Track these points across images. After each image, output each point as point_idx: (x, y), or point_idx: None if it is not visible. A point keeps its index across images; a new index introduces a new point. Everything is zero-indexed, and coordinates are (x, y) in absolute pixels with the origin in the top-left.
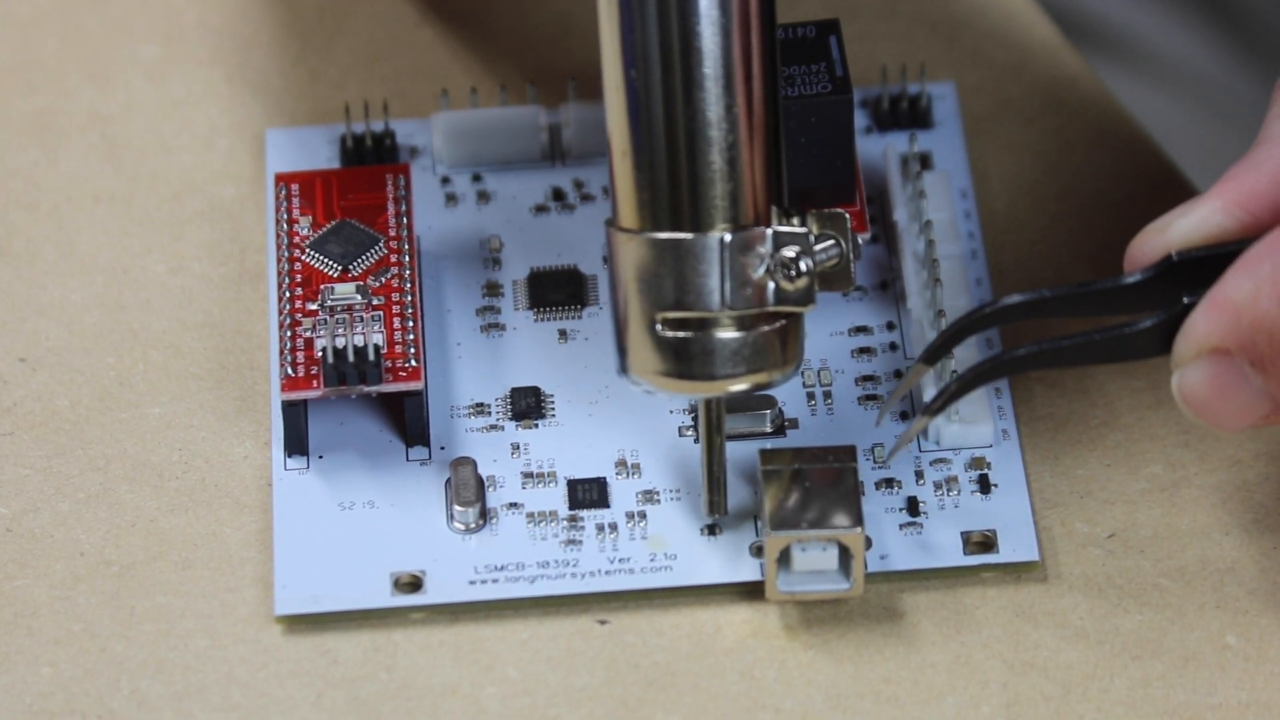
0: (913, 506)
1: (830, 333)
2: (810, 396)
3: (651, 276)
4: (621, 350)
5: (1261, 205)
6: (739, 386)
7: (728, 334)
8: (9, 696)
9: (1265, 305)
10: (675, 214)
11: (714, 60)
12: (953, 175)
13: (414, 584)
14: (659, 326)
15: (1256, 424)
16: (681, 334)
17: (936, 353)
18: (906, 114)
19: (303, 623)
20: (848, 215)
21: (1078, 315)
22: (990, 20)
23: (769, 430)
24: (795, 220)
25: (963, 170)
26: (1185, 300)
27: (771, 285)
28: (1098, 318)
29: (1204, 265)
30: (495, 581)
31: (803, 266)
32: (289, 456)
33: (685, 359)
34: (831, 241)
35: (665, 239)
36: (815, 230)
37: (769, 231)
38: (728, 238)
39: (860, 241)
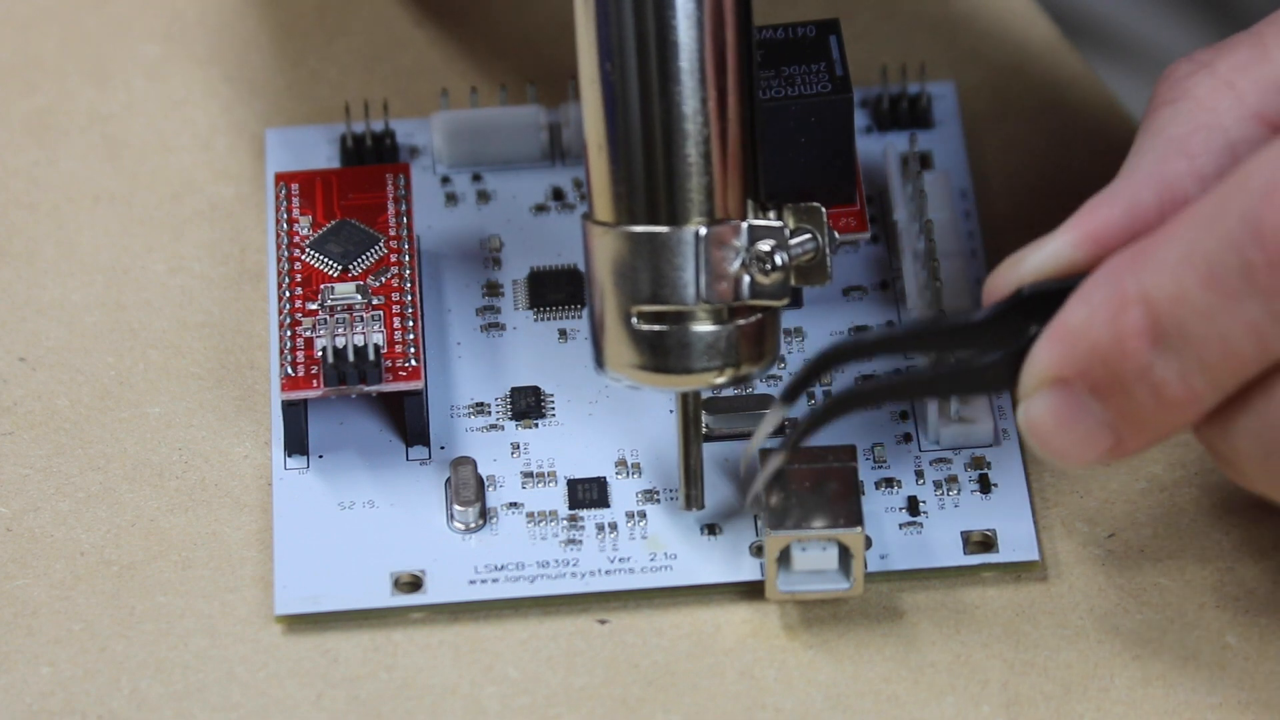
0: (913, 506)
1: (830, 332)
2: (810, 396)
3: (627, 270)
4: (598, 345)
5: (1113, 238)
6: (715, 380)
7: (703, 327)
8: (9, 696)
9: (1099, 330)
10: (651, 207)
11: (690, 54)
12: (952, 175)
13: (414, 584)
14: (635, 320)
15: (1101, 458)
16: (657, 327)
17: (794, 392)
18: (906, 114)
19: (303, 622)
20: (824, 209)
21: (933, 350)
22: (990, 20)
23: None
24: (771, 214)
25: (963, 170)
26: (1032, 331)
27: (747, 279)
28: (955, 352)
29: (1055, 299)
30: (495, 581)
31: (778, 260)
32: (289, 456)
33: (661, 352)
34: (808, 235)
35: (641, 232)
36: (791, 224)
37: (744, 225)
38: (703, 231)
39: (837, 236)
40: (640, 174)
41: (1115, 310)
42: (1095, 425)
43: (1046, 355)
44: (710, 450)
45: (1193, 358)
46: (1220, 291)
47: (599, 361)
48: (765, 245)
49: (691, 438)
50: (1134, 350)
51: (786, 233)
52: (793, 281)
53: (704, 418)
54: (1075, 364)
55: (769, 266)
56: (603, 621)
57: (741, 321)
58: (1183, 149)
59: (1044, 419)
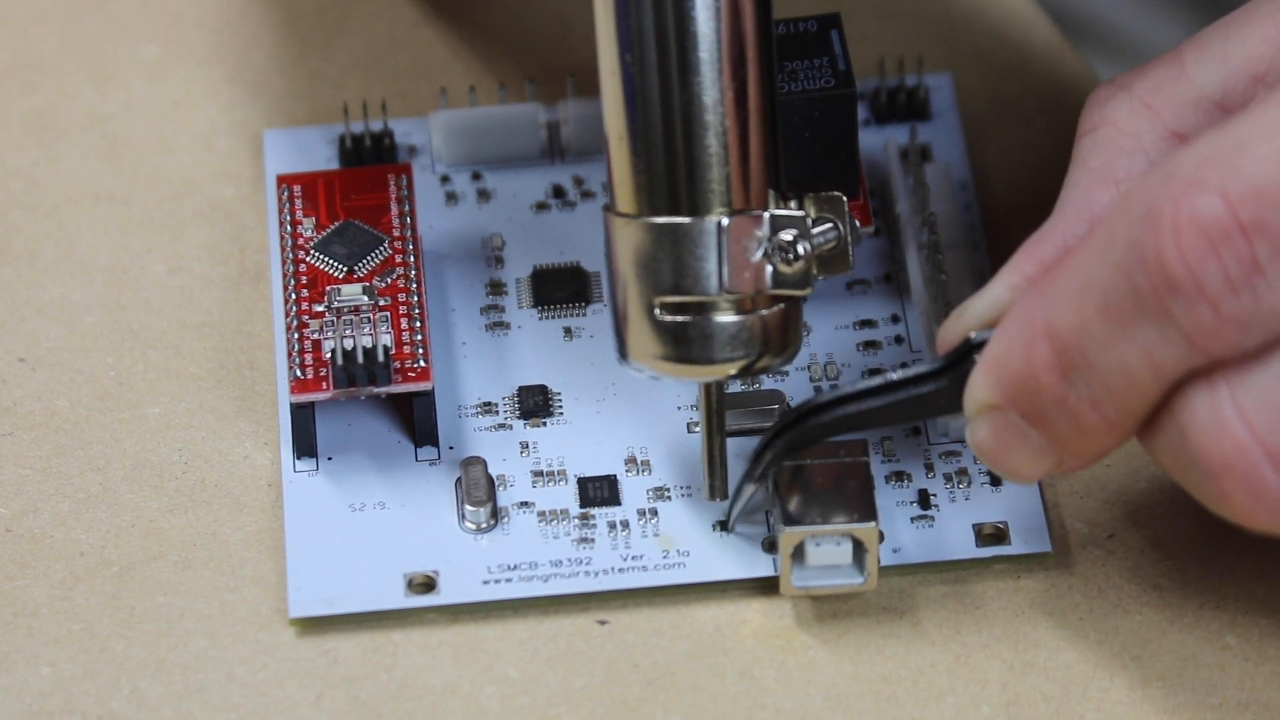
0: (924, 500)
1: (835, 326)
2: (818, 391)
3: (649, 261)
4: (620, 336)
5: None
6: (737, 370)
7: (726, 318)
8: (9, 696)
9: (1017, 361)
10: (672, 198)
11: (709, 44)
12: (953, 167)
13: (427, 585)
14: (657, 311)
15: (1052, 472)
16: (680, 318)
17: (766, 471)
18: (904, 106)
19: (316, 625)
20: (844, 198)
21: (890, 407)
22: (989, 19)
23: None
24: (792, 204)
25: (962, 161)
26: (975, 358)
27: (769, 269)
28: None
29: None
30: (509, 581)
31: (800, 250)
32: (298, 459)
33: (684, 343)
34: (829, 225)
35: (662, 223)
36: (813, 213)
37: (766, 215)
38: (725, 221)
39: (858, 225)
40: (661, 165)
41: (1027, 344)
42: (1034, 447)
43: (979, 384)
44: None
45: (1099, 386)
46: (1115, 319)
47: (622, 352)
48: (787, 235)
49: (714, 428)
50: (1047, 384)
51: (808, 222)
52: (814, 271)
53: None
54: (1003, 393)
55: (791, 256)
56: (603, 622)
57: (764, 311)
58: (1107, 177)
59: (987, 443)
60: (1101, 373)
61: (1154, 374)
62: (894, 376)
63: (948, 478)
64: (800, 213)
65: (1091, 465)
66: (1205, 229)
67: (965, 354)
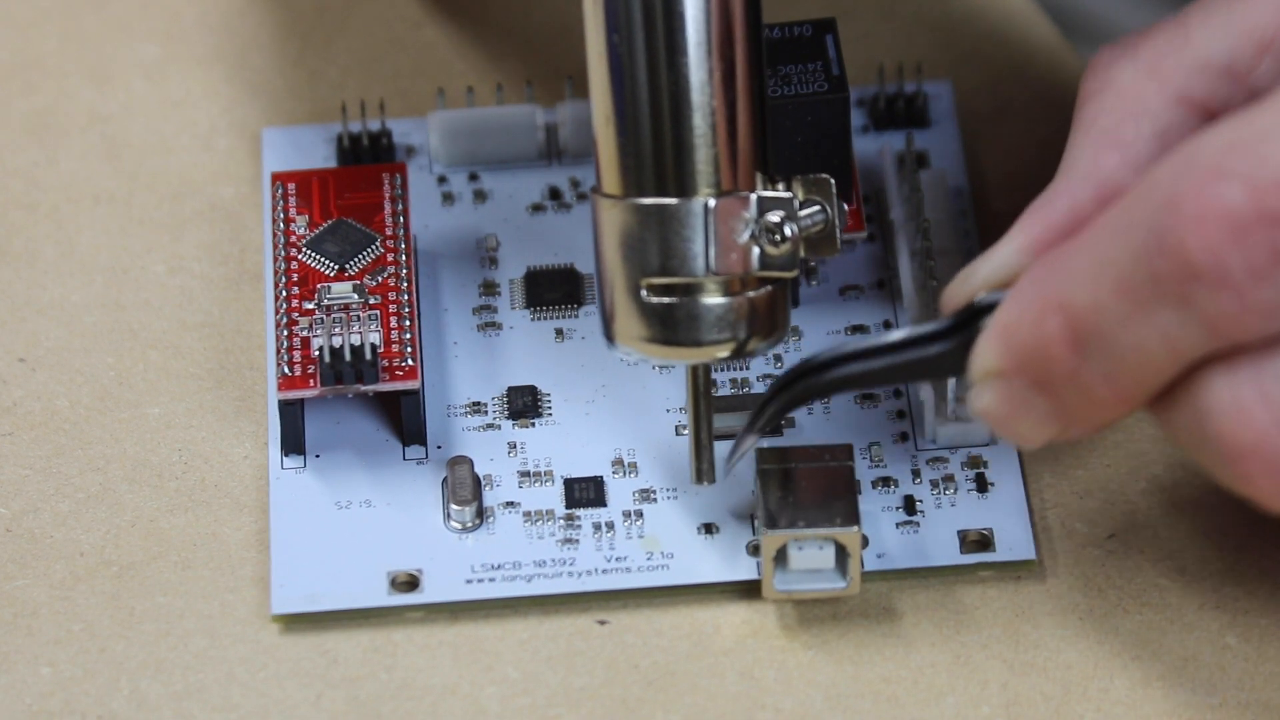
0: (910, 505)
1: (827, 331)
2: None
3: (636, 242)
4: (607, 318)
5: (1057, 242)
6: (724, 353)
7: (713, 299)
8: (9, 696)
9: (1028, 330)
10: (659, 179)
11: (697, 24)
12: (949, 174)
13: (411, 583)
14: (644, 292)
15: (1057, 439)
16: (667, 300)
17: (760, 414)
18: (903, 113)
19: (300, 622)
20: (832, 180)
21: (895, 364)
22: (989, 20)
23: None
24: (780, 185)
25: (959, 169)
26: (982, 324)
27: (756, 250)
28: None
29: None
30: (492, 580)
31: (787, 231)
32: (286, 456)
33: (671, 325)
34: (817, 207)
35: (649, 204)
36: (800, 195)
37: (753, 196)
38: (712, 203)
39: (847, 211)
40: (648, 146)
41: (1038, 316)
42: (1040, 414)
43: (987, 350)
44: None
45: (1114, 361)
46: (1133, 300)
47: (609, 336)
48: (774, 216)
49: (701, 412)
50: (1058, 356)
51: (796, 204)
52: (802, 253)
53: None
54: (1010, 360)
55: (778, 238)
56: (603, 622)
57: (751, 293)
58: (1114, 141)
59: (993, 407)
60: (1117, 349)
61: (1171, 355)
62: (899, 335)
63: (934, 484)
64: (788, 194)
65: (1098, 433)
66: (1228, 218)
67: (972, 317)
